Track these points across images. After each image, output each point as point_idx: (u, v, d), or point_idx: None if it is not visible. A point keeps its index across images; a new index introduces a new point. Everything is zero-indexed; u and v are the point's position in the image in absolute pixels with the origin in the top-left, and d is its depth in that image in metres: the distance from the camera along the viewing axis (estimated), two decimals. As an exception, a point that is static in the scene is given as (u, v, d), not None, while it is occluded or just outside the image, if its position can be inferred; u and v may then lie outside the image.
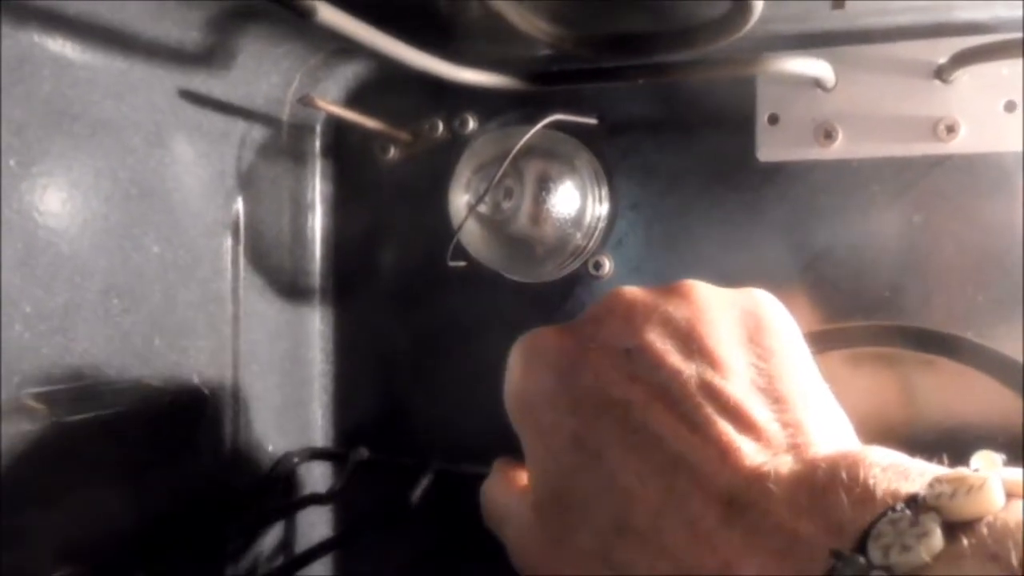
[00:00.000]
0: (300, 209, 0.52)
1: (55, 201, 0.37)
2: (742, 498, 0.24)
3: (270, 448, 0.50)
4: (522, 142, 0.42)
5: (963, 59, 0.38)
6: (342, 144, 0.53)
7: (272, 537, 0.50)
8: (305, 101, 0.44)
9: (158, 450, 0.43)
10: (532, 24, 0.33)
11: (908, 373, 0.42)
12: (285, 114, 0.50)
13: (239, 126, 0.47)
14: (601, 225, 0.47)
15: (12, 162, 0.34)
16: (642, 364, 0.28)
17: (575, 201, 0.46)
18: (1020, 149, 0.39)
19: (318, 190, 0.53)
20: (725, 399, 0.27)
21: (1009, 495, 0.21)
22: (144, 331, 0.41)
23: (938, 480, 0.22)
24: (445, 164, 0.48)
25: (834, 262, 0.43)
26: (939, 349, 0.41)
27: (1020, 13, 0.38)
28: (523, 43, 0.40)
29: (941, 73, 0.40)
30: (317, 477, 0.53)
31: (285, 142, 0.50)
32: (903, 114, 0.41)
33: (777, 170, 0.44)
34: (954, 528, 0.20)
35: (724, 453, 0.25)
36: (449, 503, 0.47)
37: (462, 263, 0.47)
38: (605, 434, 0.28)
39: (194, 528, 0.44)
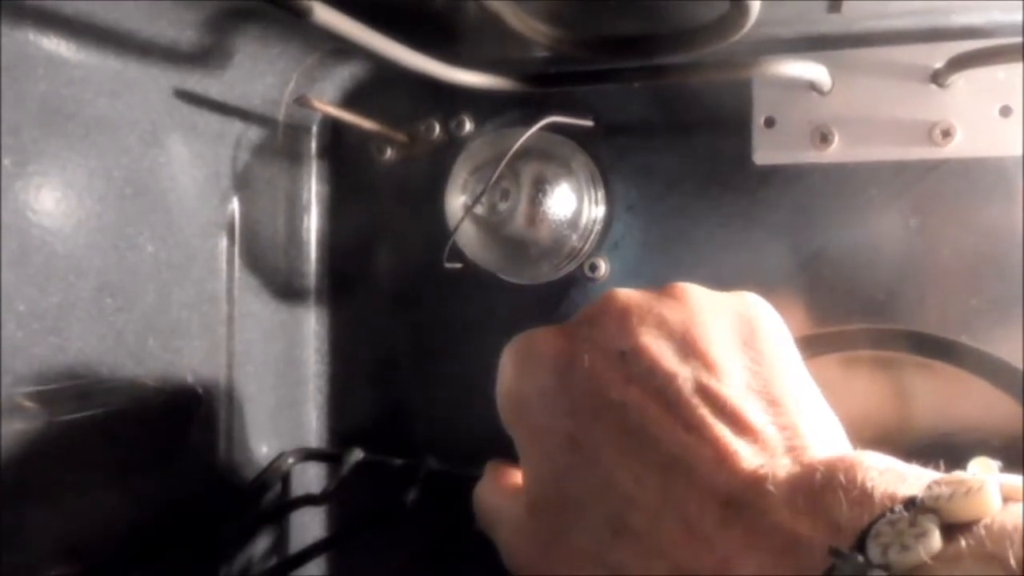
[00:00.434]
0: (296, 210, 0.52)
1: (49, 200, 0.36)
2: (740, 499, 0.24)
3: (264, 448, 0.50)
4: (518, 144, 0.42)
5: (959, 63, 0.38)
6: (338, 145, 0.53)
7: (266, 538, 0.50)
8: (301, 102, 0.44)
9: (152, 450, 0.42)
10: (529, 26, 0.33)
11: (904, 376, 0.42)
12: (281, 114, 0.50)
13: (235, 126, 0.47)
14: (597, 227, 0.47)
15: (7, 161, 0.34)
16: (637, 366, 0.29)
17: (571, 203, 0.46)
18: (1016, 153, 0.39)
19: (314, 191, 0.53)
20: (722, 402, 0.27)
21: (1006, 499, 0.21)
22: (138, 331, 0.41)
23: (936, 483, 0.22)
24: (441, 165, 0.48)
25: (830, 265, 0.43)
26: (939, 354, 0.41)
27: (1017, 18, 0.38)
28: (520, 45, 0.40)
29: (937, 77, 0.40)
30: (312, 478, 0.52)
31: (281, 143, 0.50)
32: (899, 118, 0.41)
33: (773, 173, 0.44)
34: (952, 529, 0.20)
35: (721, 455, 0.25)
36: (444, 504, 0.47)
37: (458, 265, 0.47)
38: (601, 435, 0.28)
39: (188, 528, 0.44)
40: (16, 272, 0.35)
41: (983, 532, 0.20)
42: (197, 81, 0.44)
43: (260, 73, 0.47)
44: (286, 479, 0.50)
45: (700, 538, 0.24)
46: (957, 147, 0.40)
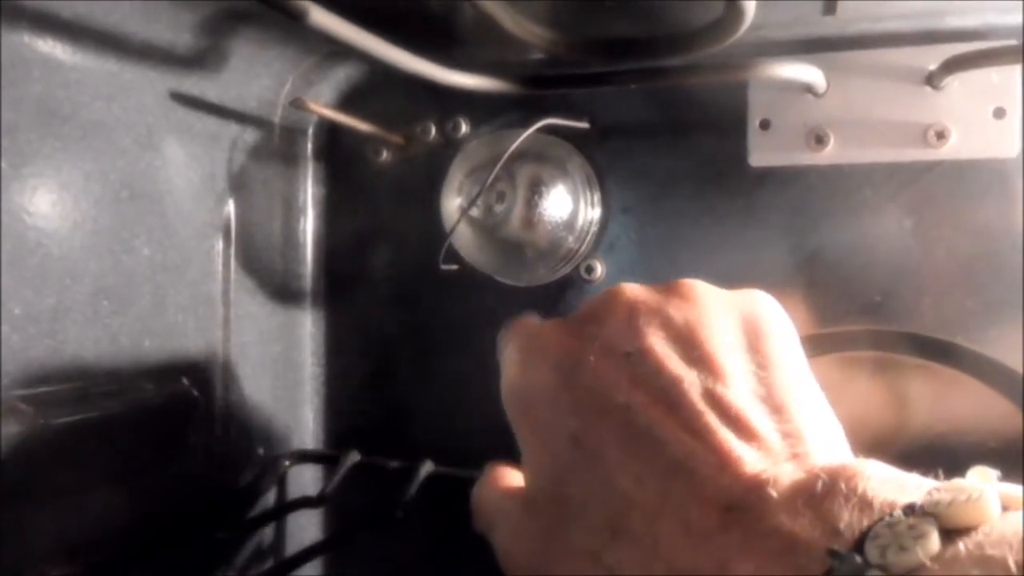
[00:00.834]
0: (292, 212, 0.52)
1: (45, 203, 0.36)
2: (740, 503, 0.24)
3: (261, 451, 0.50)
4: (514, 146, 0.42)
5: (954, 65, 0.38)
6: (334, 147, 0.53)
7: (262, 540, 0.50)
8: (297, 104, 0.44)
9: (148, 452, 0.42)
10: (524, 28, 0.34)
11: (900, 378, 0.42)
12: (277, 116, 0.50)
13: (231, 128, 0.47)
14: (593, 229, 0.47)
15: (3, 164, 0.34)
16: (644, 368, 0.28)
17: (567, 205, 0.46)
18: (1010, 155, 0.39)
19: (310, 193, 0.53)
20: (726, 407, 0.27)
21: (1005, 507, 0.21)
22: (134, 333, 0.41)
23: (936, 489, 0.22)
24: (437, 167, 0.48)
25: (826, 266, 0.43)
26: (936, 355, 0.41)
27: (1011, 20, 0.38)
28: (516, 47, 0.40)
29: (932, 79, 0.40)
30: (308, 480, 0.52)
31: (277, 145, 0.50)
32: (894, 120, 0.41)
33: (769, 175, 0.44)
34: (951, 534, 0.20)
35: (725, 460, 0.25)
36: (441, 506, 0.47)
37: (454, 267, 0.47)
38: (604, 436, 0.28)
39: (185, 530, 0.44)
40: (12, 274, 0.35)
41: (982, 537, 0.20)
42: (193, 83, 0.44)
43: (256, 75, 0.47)
44: (282, 481, 0.50)
45: (699, 541, 0.24)
46: (952, 149, 0.40)
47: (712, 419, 0.27)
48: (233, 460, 0.48)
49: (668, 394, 0.28)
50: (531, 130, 0.43)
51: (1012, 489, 0.22)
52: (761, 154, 0.43)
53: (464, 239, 0.47)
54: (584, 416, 0.29)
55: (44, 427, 0.36)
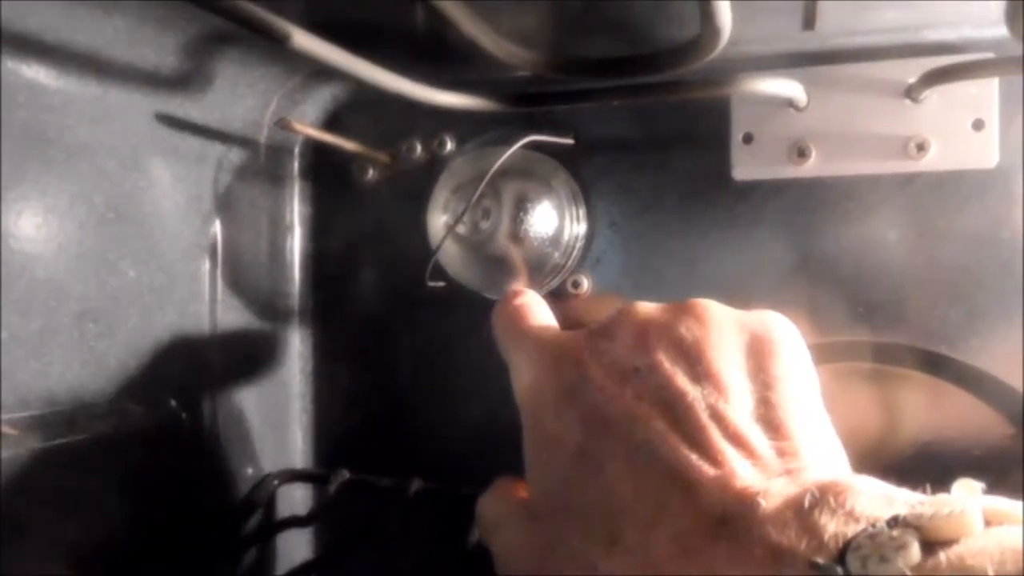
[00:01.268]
0: (279, 231, 0.52)
1: (30, 226, 0.36)
2: (731, 515, 0.25)
3: (250, 471, 0.50)
4: (499, 163, 0.42)
5: (932, 79, 0.39)
6: (321, 165, 0.53)
7: (252, 560, 0.49)
8: (282, 125, 0.44)
9: (135, 475, 0.42)
10: (505, 49, 0.34)
11: (885, 387, 0.42)
12: (263, 136, 0.50)
13: (216, 149, 0.47)
14: (579, 244, 0.47)
15: (-13, 187, 0.34)
16: (650, 383, 0.29)
17: (553, 220, 0.46)
18: (989, 166, 0.40)
19: (297, 211, 0.53)
20: (727, 424, 0.28)
21: (988, 522, 0.21)
22: (120, 355, 0.41)
23: (920, 503, 0.22)
24: (424, 185, 0.49)
25: (809, 279, 0.43)
26: (922, 366, 0.42)
27: (987, 33, 0.39)
28: (500, 65, 0.40)
29: (911, 92, 0.40)
30: (298, 499, 0.52)
31: (263, 164, 0.50)
32: (875, 132, 0.41)
33: (752, 188, 0.44)
34: (933, 546, 0.20)
35: (720, 474, 0.26)
36: (431, 524, 0.47)
37: (441, 283, 0.48)
38: (609, 448, 0.29)
39: (173, 553, 0.43)
40: (-3, 298, 0.35)
41: (963, 549, 0.20)
42: (178, 105, 0.44)
43: (241, 96, 0.48)
44: (271, 501, 0.50)
45: (690, 552, 0.25)
46: (932, 160, 0.40)
47: (712, 434, 0.27)
48: (222, 480, 0.48)
49: (671, 408, 0.28)
50: (516, 147, 0.43)
51: (996, 503, 0.22)
52: (744, 168, 0.43)
53: (451, 256, 0.47)
54: (590, 428, 0.29)
55: (30, 451, 0.36)
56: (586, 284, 0.47)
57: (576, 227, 0.47)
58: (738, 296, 0.44)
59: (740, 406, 0.29)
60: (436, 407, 0.51)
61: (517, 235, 0.45)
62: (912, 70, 0.40)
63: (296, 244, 0.53)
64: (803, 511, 0.23)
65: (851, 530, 0.22)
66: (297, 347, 0.53)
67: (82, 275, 0.39)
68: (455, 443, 0.50)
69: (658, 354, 0.30)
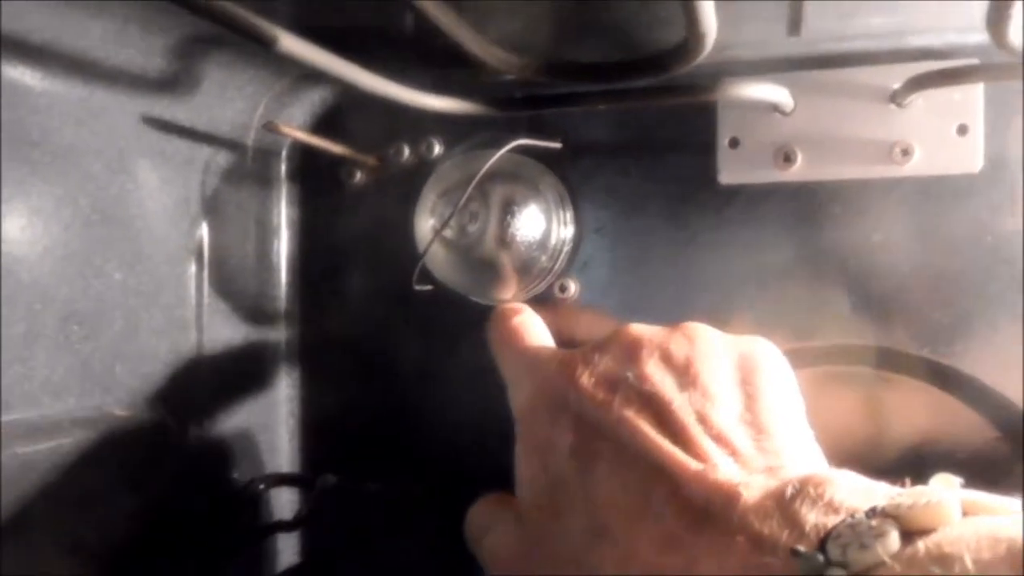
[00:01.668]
0: (266, 233, 0.52)
1: (14, 228, 0.36)
2: (714, 506, 0.25)
3: (235, 474, 0.49)
4: (486, 166, 0.42)
5: (917, 84, 0.39)
6: (308, 168, 0.53)
7: (238, 565, 0.49)
8: (269, 128, 0.44)
9: (120, 478, 0.42)
10: (491, 53, 0.34)
11: (868, 390, 0.43)
12: (251, 139, 0.50)
13: (204, 151, 0.47)
14: (566, 247, 0.47)
15: (-29, 189, 0.34)
16: (640, 389, 0.30)
17: (540, 224, 0.46)
18: (973, 171, 0.40)
19: (284, 214, 0.52)
20: (711, 424, 0.29)
21: (966, 512, 0.21)
22: (105, 358, 0.41)
23: (899, 494, 0.23)
24: (411, 188, 0.48)
25: (795, 282, 0.43)
26: (906, 369, 0.42)
27: (971, 39, 0.39)
28: (488, 69, 0.40)
29: (896, 98, 0.41)
30: (284, 503, 0.52)
31: (251, 167, 0.50)
32: (860, 137, 0.41)
33: (738, 192, 0.44)
34: (911, 535, 0.21)
35: (704, 468, 0.27)
36: (417, 529, 0.47)
37: (428, 287, 0.47)
38: (598, 449, 0.30)
39: (158, 557, 0.43)
40: (-20, 301, 0.35)
41: (941, 537, 0.21)
42: (165, 107, 0.44)
43: (229, 98, 0.47)
44: (257, 505, 0.50)
45: (673, 542, 0.26)
46: (916, 165, 0.41)
47: (695, 432, 0.28)
48: (207, 484, 0.47)
49: (658, 411, 0.29)
50: (503, 151, 0.43)
51: (974, 495, 0.22)
52: (731, 172, 0.44)
53: (438, 259, 0.47)
54: (581, 432, 0.31)
55: (13, 455, 0.36)
56: (573, 288, 0.47)
57: (563, 231, 0.47)
58: (724, 299, 0.44)
59: (725, 410, 0.30)
60: (425, 410, 0.51)
61: (504, 239, 0.45)
62: (897, 75, 0.40)
63: (283, 247, 0.52)
64: (784, 502, 0.24)
65: (831, 520, 0.23)
66: (284, 351, 0.53)
67: (67, 278, 0.39)
68: (444, 446, 0.50)
69: (648, 365, 0.31)
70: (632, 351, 0.32)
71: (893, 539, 0.21)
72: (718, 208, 0.45)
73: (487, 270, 0.46)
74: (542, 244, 0.46)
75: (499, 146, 0.43)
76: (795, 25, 0.38)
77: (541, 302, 0.48)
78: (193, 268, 0.46)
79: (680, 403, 0.30)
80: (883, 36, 0.40)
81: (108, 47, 0.39)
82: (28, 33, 0.36)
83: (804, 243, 0.43)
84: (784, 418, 0.30)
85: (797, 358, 0.42)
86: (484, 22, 0.36)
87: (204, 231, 0.47)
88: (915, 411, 0.41)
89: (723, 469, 0.27)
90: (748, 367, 0.32)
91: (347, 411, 0.52)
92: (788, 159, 0.42)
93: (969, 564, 0.19)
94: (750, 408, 0.30)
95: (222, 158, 0.48)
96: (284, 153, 0.53)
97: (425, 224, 0.47)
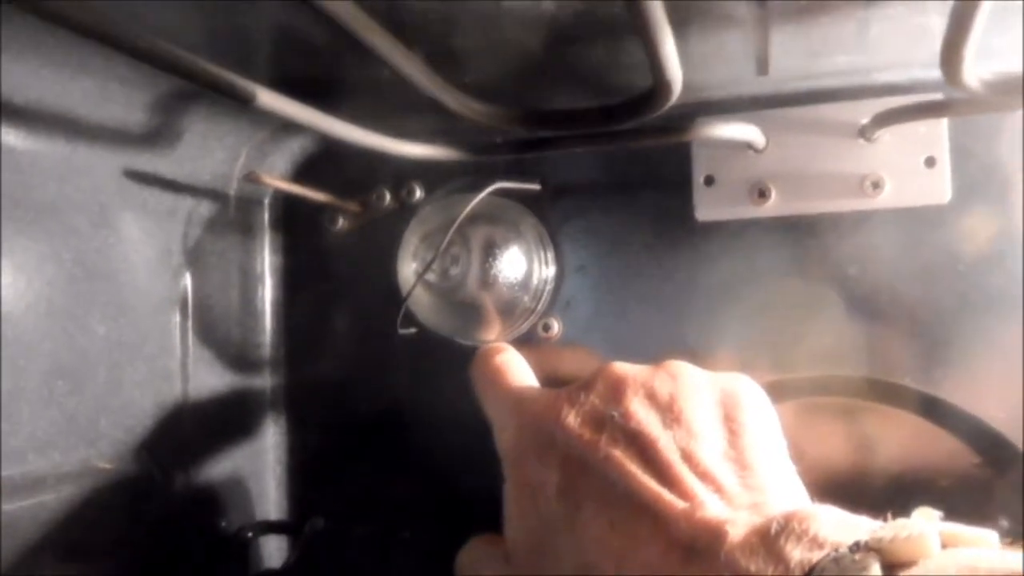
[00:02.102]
0: (250, 281, 0.52)
1: (-2, 286, 0.36)
2: (700, 542, 0.26)
3: (224, 523, 0.49)
4: (467, 210, 0.43)
5: (884, 119, 0.40)
6: (291, 216, 0.53)
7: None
8: (251, 178, 0.45)
9: (107, 531, 0.42)
10: (466, 105, 0.35)
11: (851, 421, 0.43)
12: (232, 189, 0.50)
13: (186, 203, 0.47)
14: (548, 287, 0.48)
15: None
16: (625, 428, 0.31)
17: (522, 265, 0.46)
18: (942, 201, 0.41)
19: (268, 262, 0.53)
20: (696, 461, 0.29)
21: (946, 545, 0.22)
22: (90, 412, 0.41)
23: (880, 527, 0.23)
24: (393, 233, 0.49)
25: (773, 315, 0.44)
26: (887, 398, 0.42)
27: (934, 75, 0.40)
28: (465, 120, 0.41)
29: (864, 132, 0.41)
30: (272, 550, 0.52)
31: (233, 216, 0.51)
32: (831, 172, 0.42)
33: (715, 229, 0.45)
34: (893, 568, 0.21)
35: (689, 505, 0.27)
36: (406, 571, 0.47)
37: (412, 330, 0.48)
38: (585, 489, 0.30)
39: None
40: (-36, 360, 0.35)
41: (921, 570, 0.21)
42: (147, 160, 0.44)
43: (210, 150, 0.48)
44: (245, 553, 0.49)
45: None
46: (887, 198, 0.42)
47: (681, 470, 0.29)
48: (195, 534, 0.47)
49: (644, 450, 0.30)
50: (483, 194, 0.44)
51: (953, 528, 0.23)
52: (707, 209, 0.44)
53: (421, 303, 0.47)
54: (567, 471, 0.31)
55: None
56: (556, 327, 0.48)
57: (545, 271, 0.47)
58: (705, 334, 0.45)
59: (709, 447, 0.30)
60: (410, 455, 0.50)
61: (487, 280, 0.46)
62: (864, 111, 0.41)
63: (267, 294, 0.53)
64: (769, 538, 0.24)
65: (815, 556, 0.23)
66: (269, 397, 0.53)
67: (51, 333, 0.39)
68: (432, 489, 0.50)
69: (632, 403, 0.32)
70: (617, 390, 0.33)
71: (875, 572, 0.21)
72: (695, 244, 0.45)
73: (470, 312, 0.47)
74: (524, 284, 0.47)
75: (479, 189, 0.44)
76: (763, 65, 0.39)
77: (525, 342, 0.48)
78: (177, 318, 0.46)
79: (665, 441, 0.30)
80: (849, 73, 0.41)
81: (90, 104, 0.40)
82: (10, 93, 0.36)
83: (782, 277, 0.44)
84: (767, 454, 0.31)
85: (778, 390, 0.43)
86: (458, 71, 0.37)
87: (188, 281, 0.47)
88: (896, 439, 0.42)
89: (709, 507, 0.27)
90: (731, 404, 0.33)
91: (334, 456, 0.52)
92: (762, 195, 0.43)
93: None
94: (734, 445, 0.31)
95: (204, 208, 0.48)
96: (267, 201, 0.53)
97: (408, 268, 0.47)
